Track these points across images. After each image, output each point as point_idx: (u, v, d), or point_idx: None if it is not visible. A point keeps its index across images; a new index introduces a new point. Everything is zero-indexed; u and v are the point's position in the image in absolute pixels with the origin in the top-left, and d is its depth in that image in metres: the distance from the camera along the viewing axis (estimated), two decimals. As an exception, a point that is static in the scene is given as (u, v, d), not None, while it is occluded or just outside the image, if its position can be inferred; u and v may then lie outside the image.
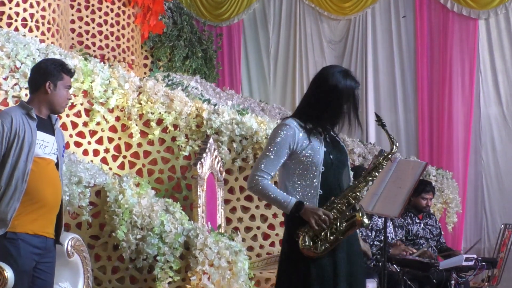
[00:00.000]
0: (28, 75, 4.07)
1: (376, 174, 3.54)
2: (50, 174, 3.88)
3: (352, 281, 3.52)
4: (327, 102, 3.55)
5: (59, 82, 3.87)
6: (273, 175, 3.54)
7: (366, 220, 3.43)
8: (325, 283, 3.44)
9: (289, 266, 3.53)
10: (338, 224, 3.43)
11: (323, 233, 3.43)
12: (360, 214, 3.44)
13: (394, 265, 6.19)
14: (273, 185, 3.52)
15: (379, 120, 3.59)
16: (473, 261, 6.06)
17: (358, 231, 6.26)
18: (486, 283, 7.24)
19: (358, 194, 3.49)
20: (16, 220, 3.71)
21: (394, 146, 3.58)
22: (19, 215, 3.73)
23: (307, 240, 3.43)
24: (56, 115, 3.98)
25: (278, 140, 3.51)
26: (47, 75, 3.86)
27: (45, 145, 3.84)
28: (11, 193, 3.71)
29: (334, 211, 3.45)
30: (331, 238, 3.43)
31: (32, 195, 3.76)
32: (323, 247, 3.42)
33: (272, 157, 3.51)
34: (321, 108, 3.55)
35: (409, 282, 6.10)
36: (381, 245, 6.24)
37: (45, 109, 3.88)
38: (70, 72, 3.95)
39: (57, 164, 3.94)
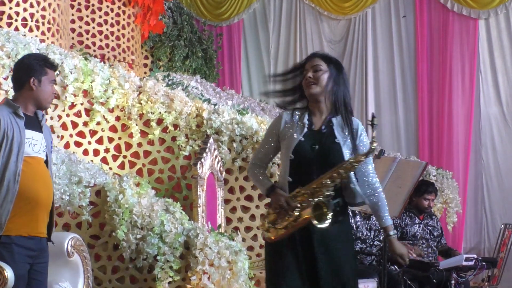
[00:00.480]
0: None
1: (343, 172, 3.46)
2: (41, 173, 3.79)
3: (336, 281, 3.54)
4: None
5: (44, 77, 3.79)
6: (264, 162, 3.71)
7: (320, 221, 3.41)
8: (293, 275, 3.51)
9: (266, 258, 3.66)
10: (296, 214, 3.48)
11: (279, 219, 3.51)
12: (312, 212, 3.41)
13: (394, 265, 6.19)
14: (260, 172, 3.69)
15: (373, 121, 3.48)
16: (473, 261, 6.06)
17: (356, 231, 6.25)
18: (486, 283, 7.24)
19: (322, 189, 3.46)
20: (10, 223, 3.63)
21: (371, 146, 3.46)
22: (13, 217, 3.64)
23: (265, 223, 3.55)
24: (42, 111, 3.89)
25: (268, 129, 3.74)
26: (30, 71, 3.78)
27: (34, 143, 3.76)
28: (4, 195, 3.62)
29: (299, 200, 3.50)
30: (285, 224, 3.49)
31: (25, 196, 3.68)
32: (276, 231, 3.50)
33: (262, 146, 3.72)
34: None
35: (409, 282, 6.10)
36: (381, 245, 6.24)
37: (31, 106, 3.80)
38: (53, 66, 3.87)
39: (46, 161, 3.84)
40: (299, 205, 3.47)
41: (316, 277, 3.51)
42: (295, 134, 3.57)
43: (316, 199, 3.43)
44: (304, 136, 3.56)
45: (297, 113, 3.63)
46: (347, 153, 3.57)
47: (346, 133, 3.60)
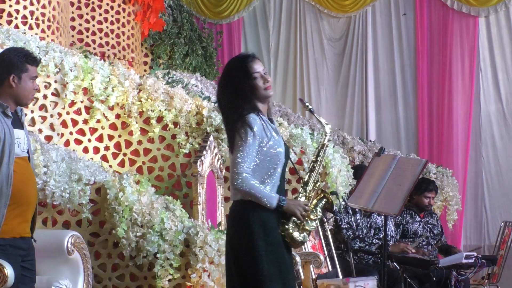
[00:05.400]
0: None
1: (322, 154, 3.66)
2: (29, 173, 3.72)
3: None
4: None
5: (24, 74, 3.66)
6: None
7: (337, 202, 3.59)
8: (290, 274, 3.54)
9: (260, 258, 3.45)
10: (313, 210, 3.57)
11: (304, 222, 3.53)
12: (332, 197, 3.63)
13: (394, 263, 6.20)
14: (258, 183, 3.47)
15: (306, 106, 3.70)
16: (473, 258, 6.05)
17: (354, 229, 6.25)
18: (486, 281, 7.24)
19: (318, 178, 3.63)
20: (4, 225, 3.56)
21: (328, 127, 3.68)
22: (6, 219, 3.57)
23: (295, 233, 3.51)
24: (21, 107, 3.77)
25: (252, 133, 3.45)
26: (10, 67, 3.64)
27: (19, 142, 3.66)
28: None
29: (306, 199, 3.58)
30: (312, 224, 3.55)
31: (17, 198, 3.61)
32: (306, 233, 3.55)
33: (251, 152, 3.46)
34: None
35: (409, 280, 6.10)
36: (381, 243, 6.24)
37: (12, 103, 3.66)
38: (35, 62, 3.73)
39: (28, 158, 3.76)
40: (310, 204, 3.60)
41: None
42: (274, 137, 3.51)
43: (320, 188, 3.62)
44: (279, 137, 3.58)
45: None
46: None
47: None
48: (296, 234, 3.51)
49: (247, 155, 3.43)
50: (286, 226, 3.51)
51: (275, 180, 3.51)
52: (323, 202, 3.61)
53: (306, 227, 3.53)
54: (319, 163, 3.66)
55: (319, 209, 3.60)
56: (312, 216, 3.54)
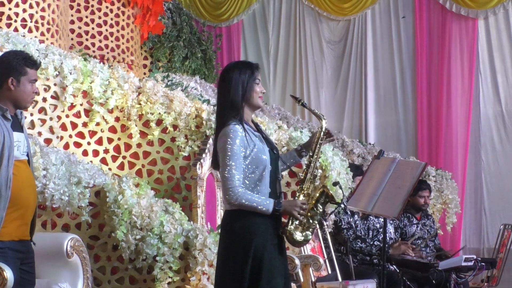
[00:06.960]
0: None
1: (318, 147, 3.66)
2: (28, 175, 3.73)
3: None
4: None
5: (23, 77, 3.67)
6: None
7: (340, 192, 3.62)
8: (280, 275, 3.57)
9: (240, 258, 3.58)
10: (313, 207, 3.59)
11: (305, 221, 3.56)
12: (329, 188, 3.62)
13: (394, 266, 6.20)
14: (252, 193, 3.52)
15: (298, 100, 3.76)
16: (473, 261, 6.06)
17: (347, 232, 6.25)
18: (486, 284, 7.24)
19: (315, 173, 3.66)
20: (3, 227, 3.56)
21: (324, 121, 3.69)
22: (5, 222, 3.57)
23: (297, 233, 3.56)
24: (21, 110, 3.78)
25: (235, 147, 3.52)
26: (9, 70, 3.65)
27: (19, 145, 3.67)
28: None
29: (305, 197, 3.60)
30: (314, 221, 3.58)
31: (16, 201, 3.61)
32: (309, 231, 3.59)
33: (239, 166, 3.52)
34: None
35: (408, 283, 6.10)
36: (381, 245, 6.24)
37: (11, 106, 3.67)
38: (34, 65, 3.73)
39: (28, 161, 3.76)
40: (308, 199, 3.60)
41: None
42: (258, 145, 3.56)
43: (317, 183, 3.65)
44: (263, 145, 3.61)
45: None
46: None
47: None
48: (297, 235, 3.55)
49: (235, 168, 3.49)
50: (287, 228, 3.55)
51: (265, 187, 3.54)
52: (323, 196, 3.60)
53: (308, 225, 3.57)
54: (315, 158, 3.66)
55: (319, 205, 3.60)
56: (312, 213, 3.57)
